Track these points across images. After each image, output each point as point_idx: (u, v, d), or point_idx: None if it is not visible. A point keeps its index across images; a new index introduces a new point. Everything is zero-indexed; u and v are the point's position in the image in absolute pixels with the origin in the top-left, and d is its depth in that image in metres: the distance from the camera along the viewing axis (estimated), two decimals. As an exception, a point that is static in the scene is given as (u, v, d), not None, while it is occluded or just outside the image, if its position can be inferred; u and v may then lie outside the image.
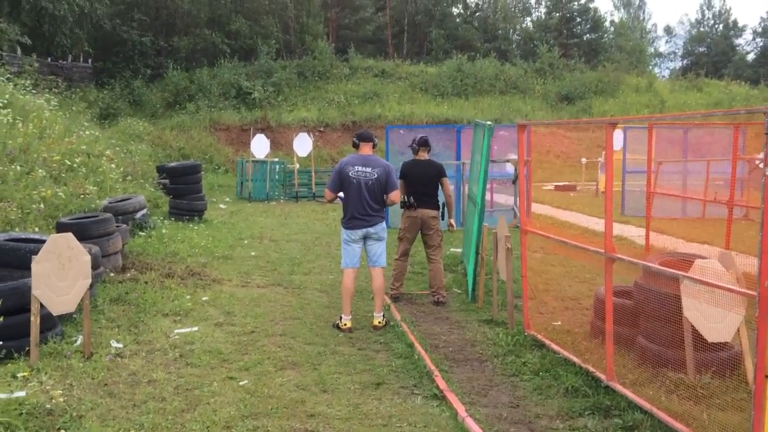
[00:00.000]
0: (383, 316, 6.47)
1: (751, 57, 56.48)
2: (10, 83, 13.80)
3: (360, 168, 6.33)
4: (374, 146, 6.61)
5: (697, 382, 4.60)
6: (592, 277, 8.10)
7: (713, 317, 4.55)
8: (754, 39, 58.72)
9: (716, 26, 60.95)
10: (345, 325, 6.28)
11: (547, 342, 5.67)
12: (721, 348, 4.79)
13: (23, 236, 6.51)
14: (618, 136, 15.19)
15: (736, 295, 4.09)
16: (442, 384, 4.79)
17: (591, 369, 4.93)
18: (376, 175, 6.31)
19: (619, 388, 4.57)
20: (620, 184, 15.09)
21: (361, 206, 6.29)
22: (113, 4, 29.70)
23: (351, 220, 6.36)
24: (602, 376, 4.76)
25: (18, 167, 8.78)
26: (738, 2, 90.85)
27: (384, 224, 6.53)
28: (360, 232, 6.36)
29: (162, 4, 32.68)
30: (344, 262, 6.50)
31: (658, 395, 4.48)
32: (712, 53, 57.12)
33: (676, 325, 4.76)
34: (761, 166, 12.19)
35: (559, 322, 6.42)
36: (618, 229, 9.60)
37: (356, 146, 6.59)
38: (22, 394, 4.35)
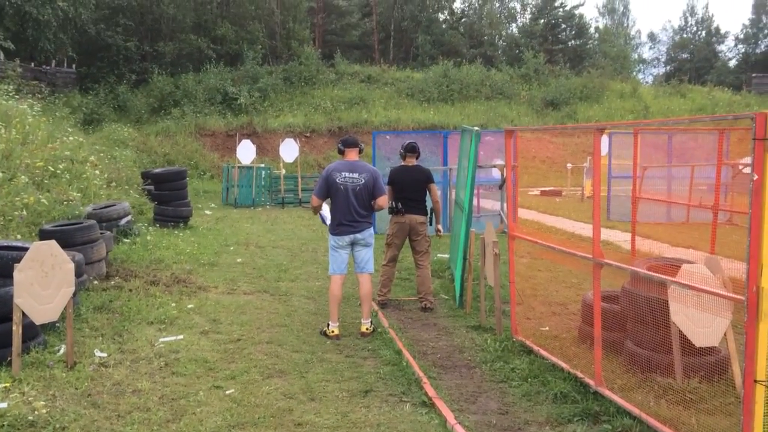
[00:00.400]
0: (371, 322, 6.43)
1: (733, 63, 57.07)
2: (-7, 89, 13.66)
3: (347, 174, 6.29)
4: (360, 152, 6.55)
5: (686, 387, 4.60)
6: (579, 282, 8.13)
7: (700, 322, 4.56)
8: (736, 45, 59.33)
9: (699, 33, 61.54)
10: (332, 332, 6.23)
11: (536, 348, 5.66)
12: (709, 352, 4.82)
13: (5, 244, 6.42)
14: (603, 141, 15.27)
15: (723, 300, 4.10)
16: (430, 391, 4.76)
17: (579, 375, 4.92)
18: (363, 181, 6.28)
19: (607, 393, 4.57)
20: (606, 189, 15.18)
21: (349, 212, 6.25)
22: (98, 8, 29.44)
23: (338, 227, 6.31)
24: (591, 382, 4.76)
25: (0, 173, 8.66)
26: (720, 9, 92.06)
27: (371, 230, 6.51)
28: (347, 238, 6.32)
29: (147, 9, 32.46)
30: (331, 268, 6.46)
31: (647, 400, 4.49)
32: (695, 59, 57.64)
33: (663, 329, 4.78)
34: (745, 171, 12.31)
35: (547, 328, 6.42)
36: (604, 234, 9.64)
37: (341, 152, 6.53)
38: (3, 405, 4.27)
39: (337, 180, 6.28)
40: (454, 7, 49.28)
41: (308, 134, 28.46)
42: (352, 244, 6.38)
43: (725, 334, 4.72)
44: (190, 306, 7.19)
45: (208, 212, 16.46)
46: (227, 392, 4.81)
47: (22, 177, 9.07)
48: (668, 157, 14.84)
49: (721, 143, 9.17)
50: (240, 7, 35.66)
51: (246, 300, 7.65)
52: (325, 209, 6.58)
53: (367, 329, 6.33)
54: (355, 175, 6.29)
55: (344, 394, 4.83)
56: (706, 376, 4.73)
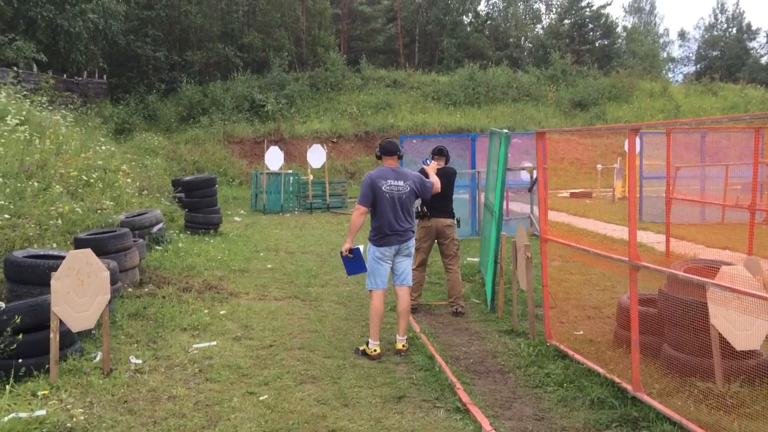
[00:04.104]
0: (406, 339, 6.09)
1: (765, 60, 56.02)
2: (27, 100, 13.92)
3: (393, 182, 5.96)
4: (399, 158, 6.19)
5: (726, 391, 4.50)
6: (613, 285, 8.01)
7: (741, 324, 4.46)
8: (768, 42, 58.30)
9: (729, 30, 60.52)
10: (374, 351, 5.82)
11: (570, 352, 5.57)
12: (749, 356, 4.70)
13: (41, 253, 6.53)
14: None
15: (764, 302, 3.99)
16: (464, 397, 4.72)
17: (616, 379, 4.83)
18: (408, 189, 6.01)
19: (646, 398, 4.48)
20: (638, 190, 14.95)
21: (396, 221, 5.94)
22: (127, 20, 29.97)
23: (385, 237, 5.95)
24: (628, 387, 4.67)
25: (35, 183, 8.82)
26: (751, 5, 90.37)
27: (414, 239, 6.22)
28: (394, 249, 6.00)
29: (175, 19, 32.93)
30: (373, 282, 6.02)
31: (687, 405, 4.39)
32: (726, 57, 56.70)
33: (702, 332, 4.67)
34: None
35: (581, 332, 6.33)
36: (637, 235, 9.49)
37: (379, 158, 6.19)
38: (42, 412, 4.33)
39: (383, 188, 5.92)
40: (478, 9, 49.17)
41: (335, 140, 28.60)
42: (396, 253, 6.06)
43: (767, 337, 4.60)
44: (222, 312, 7.24)
45: (237, 219, 16.59)
46: (261, 398, 4.82)
47: (57, 186, 9.21)
48: (701, 156, 14.58)
49: (757, 141, 8.96)
50: (266, 16, 36.01)
51: (277, 306, 7.68)
52: (359, 251, 6.06)
53: (403, 346, 5.95)
54: (401, 183, 6.00)
55: (377, 399, 4.81)
56: (747, 381, 4.61)
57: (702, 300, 4.59)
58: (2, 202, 7.56)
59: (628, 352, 4.87)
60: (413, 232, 6.18)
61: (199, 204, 13.23)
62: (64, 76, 26.44)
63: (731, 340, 4.49)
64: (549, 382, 5.08)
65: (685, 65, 65.37)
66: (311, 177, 19.54)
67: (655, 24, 67.63)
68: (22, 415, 4.26)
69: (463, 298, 7.49)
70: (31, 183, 8.74)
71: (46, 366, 5.00)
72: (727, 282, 4.17)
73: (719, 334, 4.55)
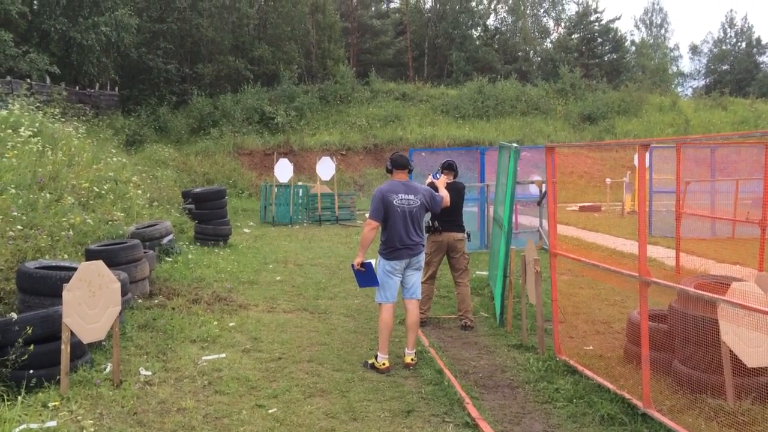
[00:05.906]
0: (416, 353, 6.08)
1: (776, 74, 55.84)
2: (40, 112, 14.07)
3: (404, 196, 5.94)
4: (410, 172, 6.18)
5: (737, 409, 4.47)
6: (622, 300, 7.98)
7: (752, 341, 4.43)
8: (778, 56, 58.09)
9: (739, 44, 60.44)
10: (383, 364, 5.80)
11: (580, 368, 5.55)
12: (761, 373, 4.66)
13: (53, 264, 6.57)
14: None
15: (776, 319, 3.97)
16: (473, 412, 4.71)
17: (627, 396, 4.80)
18: (419, 203, 6.01)
19: (657, 415, 4.45)
20: (647, 205, 14.90)
21: (407, 235, 5.92)
22: (139, 33, 30.27)
23: (395, 251, 5.93)
24: (639, 403, 4.64)
25: (47, 195, 8.89)
26: (760, 19, 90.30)
27: (424, 253, 6.22)
28: (404, 262, 5.99)
29: (187, 32, 33.26)
30: (383, 296, 5.97)
31: (698, 423, 4.36)
32: (735, 71, 56.63)
33: (713, 349, 4.65)
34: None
35: (591, 347, 6.30)
36: (647, 250, 9.43)
37: (390, 172, 6.17)
38: (53, 423, 4.35)
39: (395, 202, 5.90)
40: (487, 23, 49.38)
41: (344, 152, 28.70)
42: (406, 267, 6.05)
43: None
44: (231, 324, 7.25)
45: (246, 230, 16.64)
46: (270, 411, 4.82)
47: (69, 198, 9.29)
48: (711, 171, 14.53)
49: (767, 157, 8.92)
50: (276, 29, 36.31)
51: (286, 318, 7.69)
52: (371, 265, 6.01)
53: (412, 359, 5.93)
54: (412, 197, 5.97)
55: (386, 413, 4.80)
56: (759, 398, 4.58)
57: (713, 316, 4.57)
58: (15, 213, 7.62)
59: (639, 368, 4.85)
60: (423, 245, 6.17)
61: (208, 215, 13.29)
62: (77, 88, 26.70)
63: (742, 357, 4.47)
64: (558, 398, 5.05)
65: (694, 79, 65.31)
66: (320, 189, 19.59)
67: (665, 38, 67.62)
68: (33, 426, 4.28)
69: (472, 312, 7.48)
70: (43, 194, 8.82)
71: (57, 377, 5.03)
72: (738, 298, 4.16)
73: (730, 350, 4.52)
